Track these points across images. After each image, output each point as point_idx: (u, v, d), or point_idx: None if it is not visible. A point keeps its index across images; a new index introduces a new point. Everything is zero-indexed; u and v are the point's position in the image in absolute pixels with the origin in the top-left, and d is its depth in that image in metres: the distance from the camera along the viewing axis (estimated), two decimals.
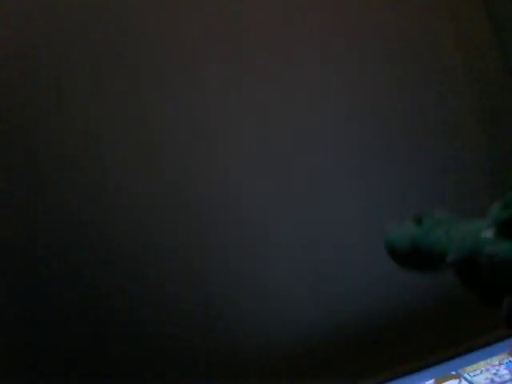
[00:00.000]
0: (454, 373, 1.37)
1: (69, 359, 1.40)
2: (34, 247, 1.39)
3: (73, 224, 1.39)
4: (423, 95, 1.51)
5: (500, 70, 1.53)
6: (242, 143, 1.45)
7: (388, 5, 1.49)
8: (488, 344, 1.44)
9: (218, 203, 1.44)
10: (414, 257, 0.68)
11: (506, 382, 1.29)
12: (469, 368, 1.37)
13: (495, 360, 1.37)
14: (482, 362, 1.37)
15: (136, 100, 1.42)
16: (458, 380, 1.35)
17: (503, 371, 1.32)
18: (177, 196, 1.43)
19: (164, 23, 1.42)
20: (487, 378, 1.32)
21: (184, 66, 1.43)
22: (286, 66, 1.46)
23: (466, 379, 1.34)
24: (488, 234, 0.59)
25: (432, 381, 1.38)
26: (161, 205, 1.42)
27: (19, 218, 1.38)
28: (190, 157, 1.44)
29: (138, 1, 1.42)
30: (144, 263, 1.42)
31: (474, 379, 1.33)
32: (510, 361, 1.35)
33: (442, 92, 1.52)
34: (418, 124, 1.52)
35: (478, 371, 1.35)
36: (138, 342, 1.43)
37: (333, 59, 1.48)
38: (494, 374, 1.33)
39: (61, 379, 1.38)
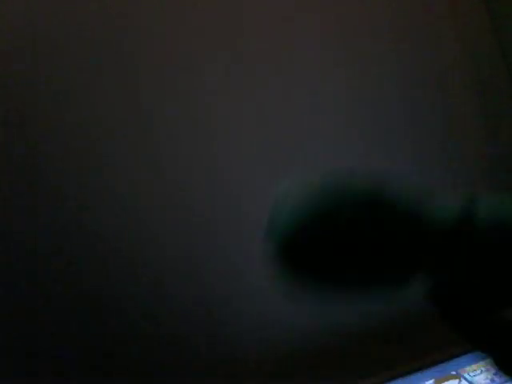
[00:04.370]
0: (454, 373, 1.38)
1: (68, 359, 1.40)
2: (34, 247, 1.39)
3: (73, 224, 1.39)
4: (423, 95, 1.51)
5: (500, 70, 1.53)
6: (241, 143, 1.45)
7: (388, 4, 1.49)
8: None
9: (218, 203, 1.44)
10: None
11: (506, 382, 1.29)
12: (469, 368, 1.37)
13: None
14: (482, 362, 1.37)
15: (136, 100, 1.42)
16: (457, 380, 1.35)
17: None
18: (177, 196, 1.43)
19: (164, 23, 1.42)
20: (487, 378, 1.32)
21: (184, 66, 1.43)
22: (286, 66, 1.46)
23: (465, 379, 1.34)
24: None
25: (432, 381, 1.38)
26: (161, 205, 1.42)
27: (19, 217, 1.38)
28: (190, 157, 1.44)
29: (138, 1, 1.42)
30: (144, 263, 1.42)
31: (474, 379, 1.33)
32: None
33: (442, 92, 1.52)
34: (418, 124, 1.52)
35: (478, 371, 1.35)
36: (137, 341, 1.43)
37: (333, 59, 1.48)
38: (494, 374, 1.33)
39: (61, 379, 1.38)
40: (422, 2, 1.51)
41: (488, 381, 1.31)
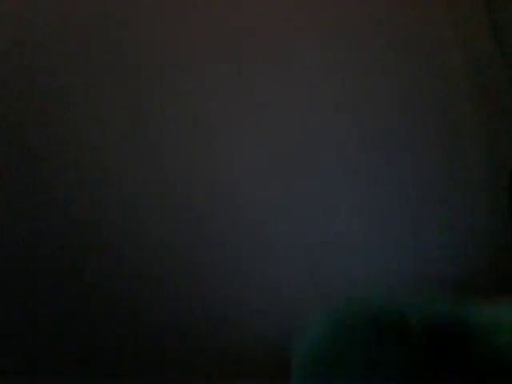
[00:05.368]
0: None
1: (67, 359, 1.41)
2: (34, 247, 1.39)
3: (72, 224, 1.39)
4: (423, 95, 1.51)
5: (500, 69, 1.53)
6: (241, 143, 1.45)
7: (388, 4, 1.49)
8: None
9: (218, 203, 1.44)
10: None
11: None
12: None
13: None
14: None
15: (136, 100, 1.42)
16: None
17: None
18: (177, 196, 1.43)
19: (164, 23, 1.42)
20: None
21: (184, 66, 1.43)
22: (286, 66, 1.46)
23: None
24: None
25: None
26: (161, 205, 1.42)
27: (19, 217, 1.39)
28: (190, 157, 1.44)
29: (138, 1, 1.42)
30: (143, 263, 1.42)
31: None
32: None
33: (442, 92, 1.52)
34: (419, 124, 1.52)
35: None
36: (137, 341, 1.43)
37: (333, 59, 1.48)
38: None
39: (61, 379, 1.38)
40: (422, 2, 1.51)
41: None
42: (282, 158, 1.46)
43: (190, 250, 1.44)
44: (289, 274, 1.47)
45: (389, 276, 1.48)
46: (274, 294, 1.47)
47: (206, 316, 1.45)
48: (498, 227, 1.53)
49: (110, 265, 1.41)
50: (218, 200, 1.45)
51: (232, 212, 1.45)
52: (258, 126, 1.45)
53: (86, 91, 1.40)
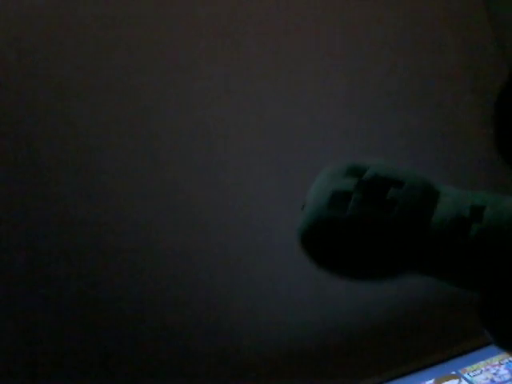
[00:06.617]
0: (453, 373, 1.37)
1: (68, 359, 1.40)
2: (34, 248, 1.39)
3: (73, 224, 1.39)
4: (423, 95, 1.51)
5: (500, 70, 1.53)
6: (242, 143, 1.45)
7: (388, 5, 1.49)
8: (488, 344, 1.43)
9: (219, 203, 1.44)
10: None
11: (506, 382, 1.29)
12: (469, 368, 1.37)
13: (495, 360, 1.37)
14: (482, 362, 1.37)
15: (136, 100, 1.42)
16: (457, 380, 1.35)
17: (503, 371, 1.32)
18: (177, 196, 1.43)
19: (164, 23, 1.42)
20: (487, 378, 1.32)
21: (184, 66, 1.43)
22: (286, 66, 1.46)
23: (465, 379, 1.34)
24: None
25: (432, 381, 1.38)
26: (161, 205, 1.42)
27: (19, 218, 1.38)
28: (189, 157, 1.44)
29: (138, 1, 1.42)
30: (144, 263, 1.42)
31: (474, 379, 1.33)
32: (510, 361, 1.35)
33: (442, 92, 1.52)
34: (419, 124, 1.52)
35: (478, 371, 1.35)
36: (138, 342, 1.43)
37: (333, 59, 1.48)
38: (494, 374, 1.33)
39: (61, 379, 1.38)
40: (422, 4, 1.51)
41: (488, 381, 1.31)
42: (282, 158, 1.46)
43: (190, 250, 1.44)
44: (289, 274, 1.47)
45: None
46: (274, 294, 1.47)
47: (205, 317, 1.45)
48: None
49: (109, 265, 1.41)
50: (218, 200, 1.45)
51: (232, 212, 1.45)
52: (258, 126, 1.46)
53: (86, 92, 1.40)
